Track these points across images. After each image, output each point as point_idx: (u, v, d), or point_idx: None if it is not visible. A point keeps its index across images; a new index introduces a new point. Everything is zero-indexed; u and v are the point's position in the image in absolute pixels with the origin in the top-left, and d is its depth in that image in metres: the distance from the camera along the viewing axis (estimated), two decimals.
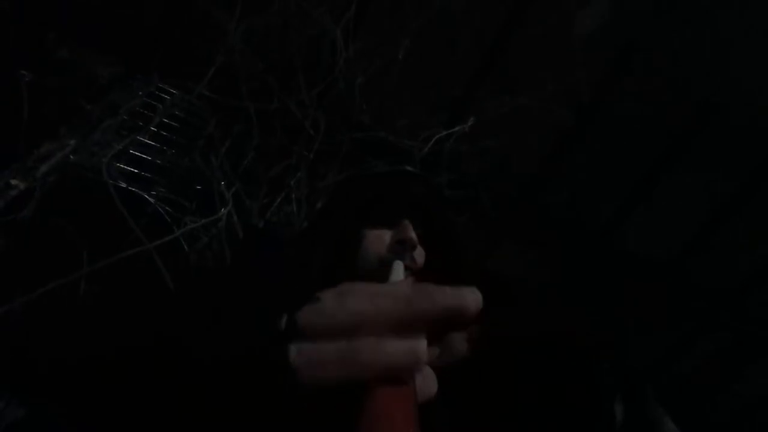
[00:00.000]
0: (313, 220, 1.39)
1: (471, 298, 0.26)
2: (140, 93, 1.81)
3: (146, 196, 1.60)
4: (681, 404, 2.32)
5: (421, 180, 0.74)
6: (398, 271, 0.50)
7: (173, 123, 1.83)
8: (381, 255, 0.58)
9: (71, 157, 1.54)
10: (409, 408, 0.21)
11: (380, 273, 0.52)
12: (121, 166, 1.62)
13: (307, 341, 0.26)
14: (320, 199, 1.86)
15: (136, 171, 1.64)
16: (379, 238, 0.59)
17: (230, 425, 0.26)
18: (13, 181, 1.41)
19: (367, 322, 0.26)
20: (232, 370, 0.26)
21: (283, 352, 0.25)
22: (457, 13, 2.06)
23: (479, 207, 2.13)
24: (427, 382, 0.26)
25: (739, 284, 2.45)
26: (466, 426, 0.39)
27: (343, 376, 0.24)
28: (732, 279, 2.45)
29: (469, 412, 0.39)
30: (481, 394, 0.39)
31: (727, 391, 2.59)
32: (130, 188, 1.58)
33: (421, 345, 0.25)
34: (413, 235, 0.58)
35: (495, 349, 0.38)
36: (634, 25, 2.12)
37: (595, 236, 2.39)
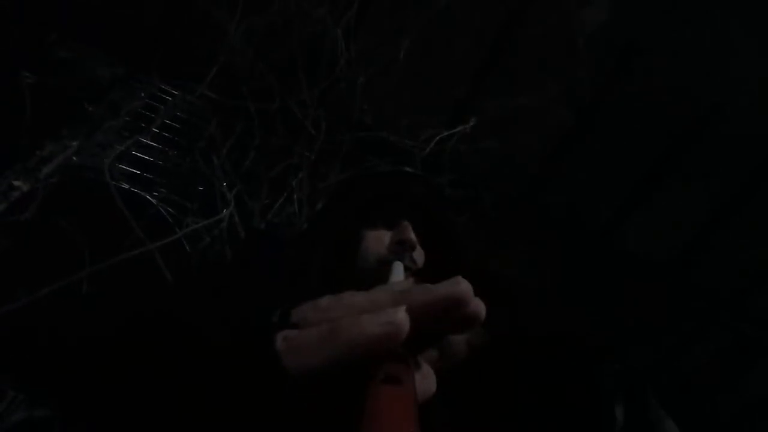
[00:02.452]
0: (313, 220, 1.39)
1: (464, 285, 0.26)
2: (141, 94, 1.81)
3: (148, 197, 1.61)
4: (681, 404, 2.32)
5: (422, 180, 0.74)
6: (398, 271, 0.50)
7: (174, 124, 1.83)
8: (381, 255, 0.58)
9: (73, 158, 1.54)
10: (409, 408, 0.21)
11: (380, 273, 0.52)
12: (123, 167, 1.62)
13: (294, 331, 0.26)
14: (321, 200, 1.86)
15: (137, 172, 1.65)
16: (379, 239, 0.60)
17: (228, 425, 0.25)
18: (16, 183, 1.41)
19: (356, 311, 0.26)
20: (225, 359, 0.26)
21: (270, 342, 0.25)
22: (457, 13, 2.06)
23: (480, 207, 2.13)
24: (427, 382, 0.26)
25: (739, 284, 2.45)
26: (466, 426, 0.39)
27: (325, 358, 0.24)
28: (732, 279, 2.44)
29: (469, 412, 0.39)
30: (481, 394, 0.39)
31: (727, 391, 2.59)
32: (131, 189, 1.58)
33: (400, 314, 0.23)
34: (413, 235, 0.58)
35: (495, 349, 0.38)
36: (634, 25, 2.12)
37: (595, 236, 2.39)
